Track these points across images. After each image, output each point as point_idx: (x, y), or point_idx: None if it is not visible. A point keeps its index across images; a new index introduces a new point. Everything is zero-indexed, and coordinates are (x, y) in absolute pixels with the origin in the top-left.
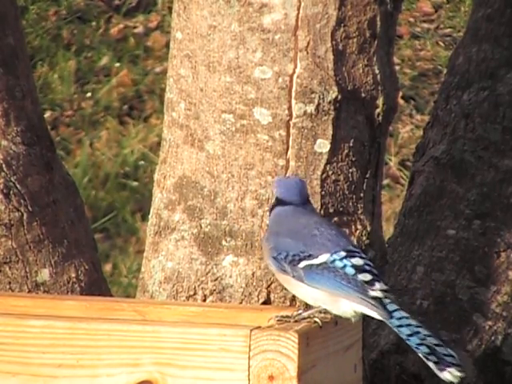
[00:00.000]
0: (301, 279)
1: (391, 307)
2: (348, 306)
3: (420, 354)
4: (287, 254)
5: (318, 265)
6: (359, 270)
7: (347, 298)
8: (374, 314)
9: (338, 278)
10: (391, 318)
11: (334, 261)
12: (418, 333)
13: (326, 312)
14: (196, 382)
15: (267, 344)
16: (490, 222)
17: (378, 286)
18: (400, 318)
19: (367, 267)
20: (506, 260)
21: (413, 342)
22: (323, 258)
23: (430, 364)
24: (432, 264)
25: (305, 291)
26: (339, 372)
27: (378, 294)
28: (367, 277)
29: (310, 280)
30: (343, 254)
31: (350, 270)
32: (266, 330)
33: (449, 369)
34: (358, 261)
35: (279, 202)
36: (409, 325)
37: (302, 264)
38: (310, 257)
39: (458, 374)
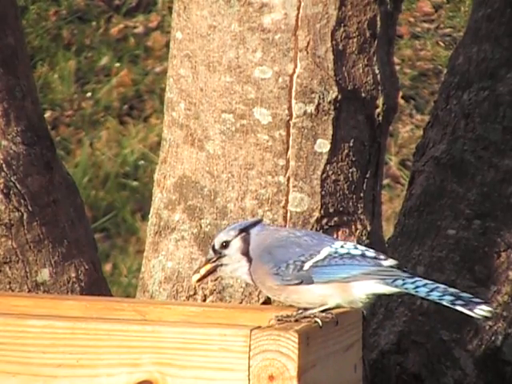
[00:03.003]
0: (310, 281)
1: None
2: (360, 290)
3: (445, 303)
4: (287, 263)
5: (323, 259)
6: (363, 250)
7: (362, 277)
8: (388, 288)
9: (348, 262)
10: (405, 284)
11: (336, 251)
12: (437, 288)
13: (326, 312)
14: (196, 382)
15: (267, 344)
16: (490, 222)
17: (385, 258)
18: (414, 282)
19: (367, 247)
20: (506, 260)
21: (434, 296)
22: (325, 252)
23: (458, 308)
24: (432, 264)
25: (313, 293)
26: (339, 372)
27: (391, 263)
28: (373, 253)
29: (320, 276)
30: (340, 242)
31: (356, 252)
32: (266, 330)
33: (478, 306)
34: (355, 245)
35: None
36: (425, 284)
37: (307, 265)
38: (311, 256)
39: (489, 308)
